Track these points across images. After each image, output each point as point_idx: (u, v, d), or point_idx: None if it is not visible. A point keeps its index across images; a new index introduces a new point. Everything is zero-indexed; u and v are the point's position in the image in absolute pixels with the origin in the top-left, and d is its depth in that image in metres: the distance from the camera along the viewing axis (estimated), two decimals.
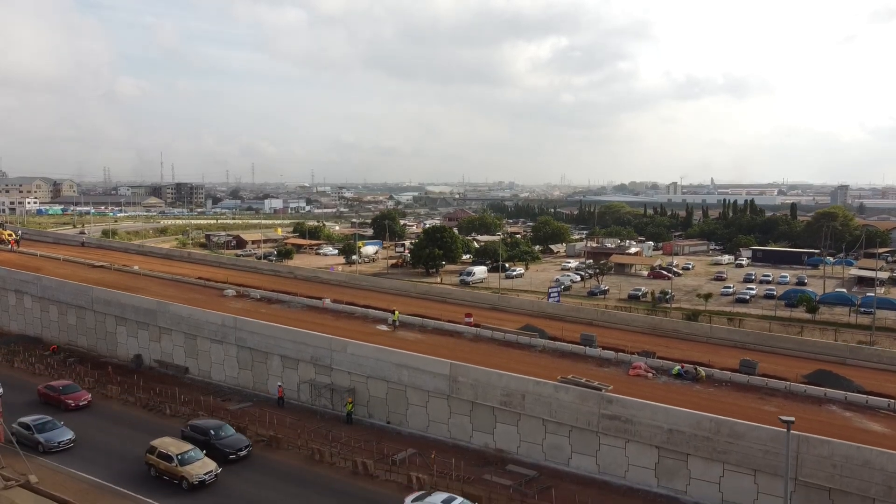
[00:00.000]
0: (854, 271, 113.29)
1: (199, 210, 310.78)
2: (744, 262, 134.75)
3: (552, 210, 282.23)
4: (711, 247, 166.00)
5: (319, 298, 59.41)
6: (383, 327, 52.12)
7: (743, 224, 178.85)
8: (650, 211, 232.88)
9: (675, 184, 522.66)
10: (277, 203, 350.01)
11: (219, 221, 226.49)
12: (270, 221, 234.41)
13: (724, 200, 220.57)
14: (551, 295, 75.31)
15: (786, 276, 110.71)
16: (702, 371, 41.14)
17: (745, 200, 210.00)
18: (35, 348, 57.12)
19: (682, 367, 41.47)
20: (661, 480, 33.81)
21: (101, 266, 72.19)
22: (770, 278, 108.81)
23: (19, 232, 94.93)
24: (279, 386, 45.95)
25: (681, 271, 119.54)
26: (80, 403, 43.70)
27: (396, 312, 54.41)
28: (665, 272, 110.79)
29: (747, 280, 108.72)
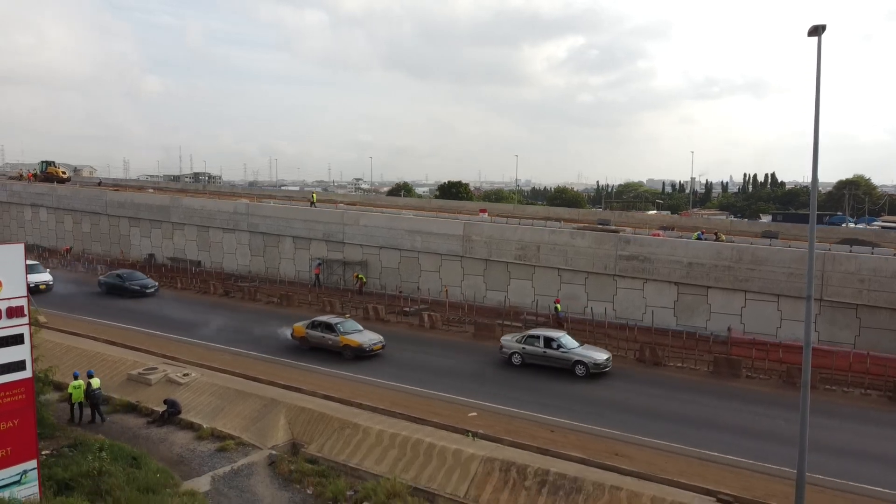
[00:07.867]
0: (878, 224, 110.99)
1: None
2: None
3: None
4: (731, 218, 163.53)
5: (334, 204, 59.17)
6: None
7: (763, 196, 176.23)
8: (668, 190, 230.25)
9: (693, 179, 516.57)
10: (294, 190, 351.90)
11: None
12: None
13: (744, 174, 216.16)
14: None
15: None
16: (722, 235, 40.14)
17: (766, 174, 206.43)
18: (47, 250, 57.49)
19: (703, 232, 40.46)
20: (681, 318, 32.85)
21: (116, 189, 72.42)
22: None
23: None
24: (317, 265, 44.11)
25: None
26: None
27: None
28: None
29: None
